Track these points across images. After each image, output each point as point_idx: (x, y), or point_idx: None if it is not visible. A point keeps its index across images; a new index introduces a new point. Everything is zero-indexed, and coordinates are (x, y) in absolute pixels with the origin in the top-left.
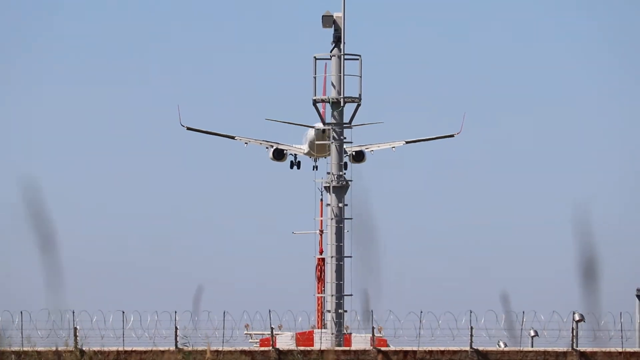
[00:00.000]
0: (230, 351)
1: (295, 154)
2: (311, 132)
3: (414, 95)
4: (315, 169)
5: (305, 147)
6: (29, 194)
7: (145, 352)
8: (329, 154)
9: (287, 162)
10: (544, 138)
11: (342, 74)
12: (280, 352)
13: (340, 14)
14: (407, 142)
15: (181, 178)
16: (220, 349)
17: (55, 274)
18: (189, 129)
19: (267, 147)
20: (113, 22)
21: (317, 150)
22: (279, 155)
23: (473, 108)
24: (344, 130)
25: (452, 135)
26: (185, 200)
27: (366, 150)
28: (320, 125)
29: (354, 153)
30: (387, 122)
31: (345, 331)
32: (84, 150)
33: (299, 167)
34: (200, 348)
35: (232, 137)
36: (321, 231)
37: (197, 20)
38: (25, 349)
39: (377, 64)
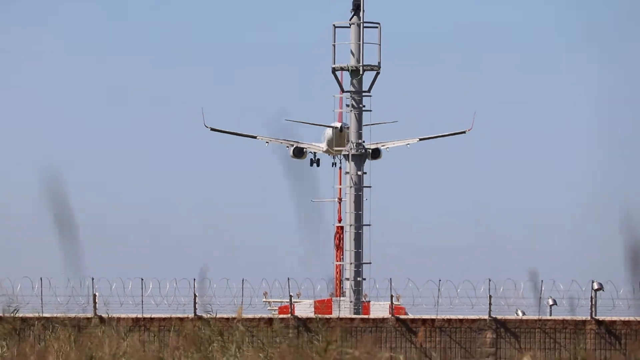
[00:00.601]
0: (249, 318)
1: (315, 152)
2: (329, 131)
3: (433, 63)
4: (333, 165)
5: (323, 145)
6: (51, 182)
7: (164, 319)
8: (347, 151)
9: (307, 160)
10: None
11: (361, 42)
12: (299, 320)
13: None
14: (420, 139)
15: (206, 174)
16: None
17: (74, 242)
18: (212, 129)
19: (287, 146)
20: (133, 22)
21: (335, 147)
22: (299, 153)
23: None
24: (363, 98)
25: (463, 132)
26: (210, 190)
27: (382, 147)
28: (337, 124)
29: (370, 150)
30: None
31: (363, 299)
32: (111, 147)
33: (318, 165)
34: (220, 315)
35: (254, 137)
36: (340, 199)
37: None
38: (45, 315)
39: (396, 32)
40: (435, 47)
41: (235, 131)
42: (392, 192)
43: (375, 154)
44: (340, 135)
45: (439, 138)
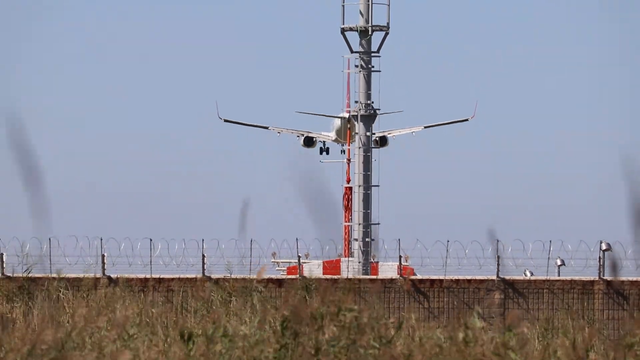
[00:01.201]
0: (257, 279)
1: (324, 141)
2: (337, 121)
3: (440, 26)
4: (342, 152)
5: (332, 135)
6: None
7: (172, 279)
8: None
9: (316, 148)
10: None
11: (370, 2)
12: (307, 280)
13: None
14: (425, 127)
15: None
16: (247, 276)
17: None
18: (226, 121)
19: (297, 136)
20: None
21: (343, 136)
22: (309, 142)
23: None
24: (372, 59)
25: (466, 120)
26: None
27: (388, 135)
28: (345, 114)
29: (378, 139)
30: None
31: (372, 260)
32: (126, 144)
33: (327, 153)
34: (229, 276)
35: (266, 128)
36: (349, 160)
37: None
38: (53, 275)
39: None
40: (445, 9)
41: (248, 122)
42: (401, 157)
43: (383, 141)
44: (347, 125)
45: (443, 125)
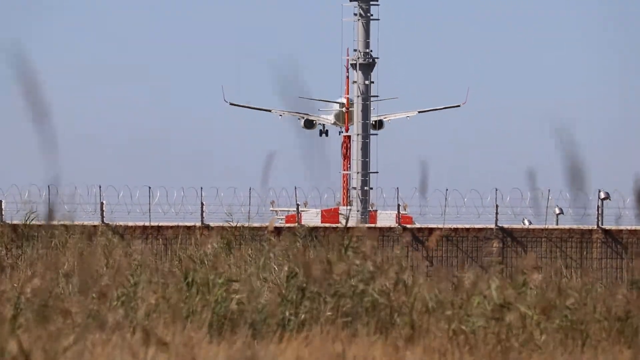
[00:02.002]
0: (256, 227)
1: (324, 124)
2: (336, 106)
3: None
4: (340, 134)
5: (331, 118)
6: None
7: (171, 227)
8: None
9: (316, 130)
10: None
11: None
12: (305, 229)
13: None
14: (419, 112)
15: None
16: (246, 224)
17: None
18: (232, 104)
19: (298, 118)
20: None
21: (341, 120)
22: (309, 124)
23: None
24: (370, 7)
25: (458, 106)
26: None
27: (384, 119)
28: (343, 100)
29: (374, 122)
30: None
31: (370, 208)
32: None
33: (327, 135)
34: (227, 224)
35: (269, 110)
36: (347, 108)
37: None
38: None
39: None
40: None
41: (252, 105)
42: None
43: (379, 125)
44: (344, 110)
45: (436, 111)
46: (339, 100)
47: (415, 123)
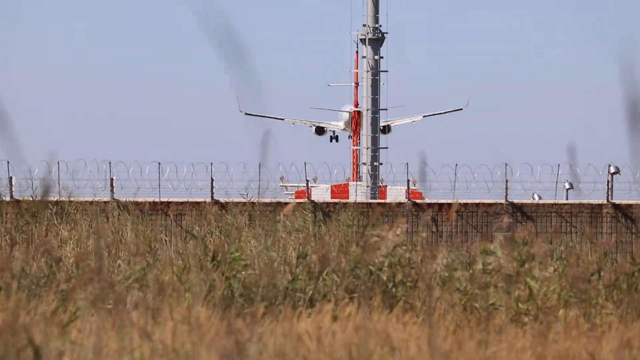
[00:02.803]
0: (266, 203)
1: (334, 130)
2: (346, 114)
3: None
4: (349, 137)
5: (341, 124)
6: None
7: (181, 203)
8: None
9: (327, 136)
10: None
11: None
12: (315, 204)
13: None
14: (424, 116)
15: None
16: (256, 200)
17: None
18: (247, 114)
19: (310, 126)
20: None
21: (350, 126)
22: (320, 131)
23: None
24: None
25: (460, 109)
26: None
27: (392, 124)
28: (352, 107)
29: (381, 127)
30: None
31: (380, 184)
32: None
33: (337, 140)
34: (236, 199)
35: (282, 119)
36: (357, 84)
37: None
38: (62, 199)
39: None
40: None
41: (266, 115)
42: (408, 78)
43: (386, 129)
44: (352, 117)
45: (440, 115)
46: (348, 109)
47: (420, 126)
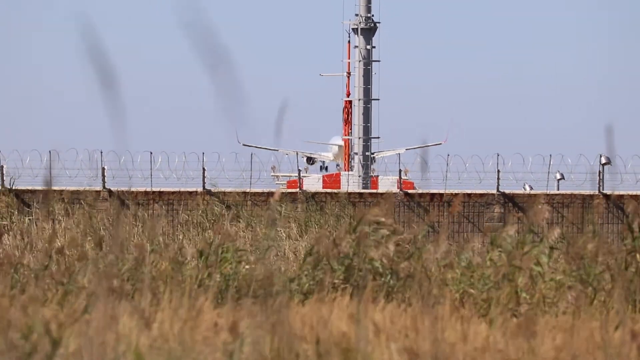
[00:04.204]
0: (257, 192)
1: (324, 161)
2: (335, 148)
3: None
4: (337, 166)
5: (330, 156)
6: None
7: (173, 192)
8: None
9: (317, 166)
10: None
11: None
12: (307, 194)
13: None
14: (407, 149)
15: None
16: (247, 190)
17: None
18: (244, 145)
19: (302, 156)
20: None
21: (340, 158)
22: (310, 161)
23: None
24: None
25: (439, 144)
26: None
27: (377, 156)
28: (341, 142)
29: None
30: None
31: (372, 174)
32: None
33: (327, 170)
34: (229, 189)
35: (276, 150)
36: (348, 73)
37: None
38: (55, 188)
39: None
40: None
41: (263, 146)
42: (401, 67)
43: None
44: (342, 150)
45: (421, 148)
46: (337, 142)
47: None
